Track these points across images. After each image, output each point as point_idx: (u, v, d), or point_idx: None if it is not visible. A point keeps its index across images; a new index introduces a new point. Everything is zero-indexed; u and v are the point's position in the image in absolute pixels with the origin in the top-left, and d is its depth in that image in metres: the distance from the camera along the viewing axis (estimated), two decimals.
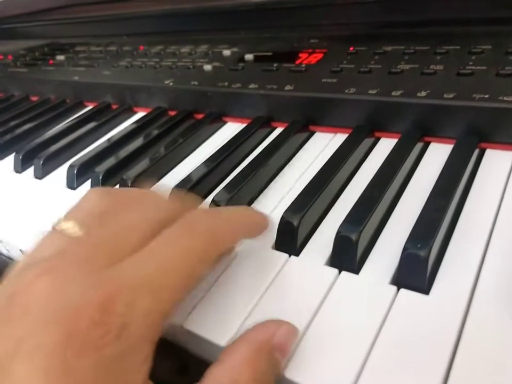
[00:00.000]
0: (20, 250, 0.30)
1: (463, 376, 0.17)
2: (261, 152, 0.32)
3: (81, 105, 0.53)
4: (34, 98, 0.59)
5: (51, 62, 0.62)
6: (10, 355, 0.14)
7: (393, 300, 0.20)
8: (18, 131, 0.48)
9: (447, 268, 0.21)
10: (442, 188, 0.24)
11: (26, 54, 0.68)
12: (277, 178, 0.31)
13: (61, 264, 0.16)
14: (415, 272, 0.20)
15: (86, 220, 0.19)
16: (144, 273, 0.16)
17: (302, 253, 0.24)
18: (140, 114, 0.47)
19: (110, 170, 0.35)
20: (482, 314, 0.19)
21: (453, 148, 0.28)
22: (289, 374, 0.18)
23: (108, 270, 0.16)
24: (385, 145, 0.31)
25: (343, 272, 0.22)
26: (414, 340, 0.18)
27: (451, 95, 0.29)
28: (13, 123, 0.51)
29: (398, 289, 0.21)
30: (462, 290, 0.20)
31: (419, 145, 0.30)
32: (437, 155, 0.29)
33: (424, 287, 0.20)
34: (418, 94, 0.30)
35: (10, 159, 0.43)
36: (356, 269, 0.22)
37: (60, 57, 0.62)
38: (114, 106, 0.50)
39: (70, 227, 0.18)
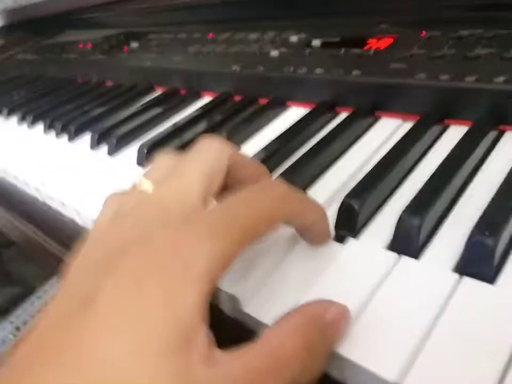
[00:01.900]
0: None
1: None
2: (324, 136, 0.32)
3: (151, 89, 0.55)
4: (109, 83, 0.63)
5: (125, 49, 0.65)
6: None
7: (456, 286, 0.20)
8: (95, 113, 0.52)
9: None
10: None
11: (103, 42, 0.72)
12: (339, 162, 0.31)
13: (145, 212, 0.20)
14: (481, 260, 0.20)
15: (158, 179, 0.21)
16: (212, 221, 0.18)
17: (361, 236, 0.24)
18: (207, 99, 0.48)
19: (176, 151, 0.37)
20: None
21: None
22: (343, 350, 0.19)
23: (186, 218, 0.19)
24: (455, 133, 0.30)
25: (403, 257, 0.22)
26: (475, 329, 0.18)
27: None
28: (89, 106, 0.55)
29: (461, 277, 0.20)
30: None
31: (492, 134, 0.29)
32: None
33: (489, 276, 0.20)
34: (495, 80, 0.28)
35: (87, 138, 0.46)
36: (416, 254, 0.22)
37: (134, 45, 0.65)
38: (182, 91, 0.51)
39: (147, 186, 0.21)
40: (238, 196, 0.19)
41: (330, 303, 0.19)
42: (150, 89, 0.56)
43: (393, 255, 0.22)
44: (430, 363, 0.17)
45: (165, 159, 0.23)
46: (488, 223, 0.20)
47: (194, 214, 0.20)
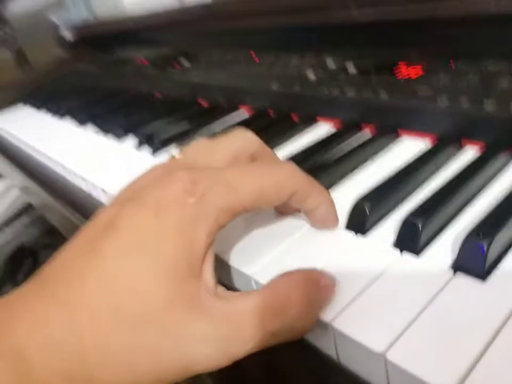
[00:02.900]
0: None
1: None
2: (349, 151, 0.35)
3: (195, 103, 0.60)
4: (158, 95, 0.68)
5: (177, 66, 0.71)
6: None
7: (449, 281, 0.21)
8: (139, 119, 0.57)
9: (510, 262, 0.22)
10: None
11: (158, 59, 0.78)
12: (359, 176, 0.33)
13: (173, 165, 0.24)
14: (474, 259, 0.21)
15: (187, 152, 0.25)
16: (228, 175, 0.21)
17: (370, 234, 0.26)
18: (243, 111, 0.52)
19: None
20: None
21: None
22: (338, 324, 0.21)
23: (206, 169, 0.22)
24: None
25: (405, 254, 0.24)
26: (457, 319, 0.19)
27: None
28: (136, 114, 0.60)
29: (455, 273, 0.22)
30: None
31: (504, 156, 0.30)
32: None
33: (481, 273, 0.21)
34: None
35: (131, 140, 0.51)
36: (417, 252, 0.24)
37: (185, 63, 0.71)
38: (223, 105, 0.56)
39: (179, 156, 0.25)
40: (253, 164, 0.23)
41: (324, 272, 0.22)
42: (194, 102, 0.60)
43: (396, 251, 0.24)
44: (412, 341, 0.19)
45: (199, 141, 0.26)
46: (484, 227, 0.22)
47: (217, 169, 0.22)
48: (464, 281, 0.21)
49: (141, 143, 0.49)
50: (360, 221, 0.27)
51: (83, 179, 0.46)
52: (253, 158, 0.25)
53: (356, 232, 0.27)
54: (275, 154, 0.28)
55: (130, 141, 0.52)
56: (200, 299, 0.18)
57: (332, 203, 0.25)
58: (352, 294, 0.22)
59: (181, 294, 0.17)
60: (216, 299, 0.18)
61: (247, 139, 0.26)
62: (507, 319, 0.19)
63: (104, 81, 0.84)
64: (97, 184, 0.43)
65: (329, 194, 0.25)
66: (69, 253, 0.20)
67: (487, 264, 0.21)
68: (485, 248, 0.21)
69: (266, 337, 0.19)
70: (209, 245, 0.20)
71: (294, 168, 0.23)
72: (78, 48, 0.99)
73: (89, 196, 0.46)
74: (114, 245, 0.18)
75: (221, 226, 0.20)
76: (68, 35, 1.00)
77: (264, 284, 0.22)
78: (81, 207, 0.47)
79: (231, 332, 0.18)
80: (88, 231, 0.20)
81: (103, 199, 0.43)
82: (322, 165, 0.33)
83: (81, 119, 0.63)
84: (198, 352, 0.18)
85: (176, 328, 0.17)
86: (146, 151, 0.48)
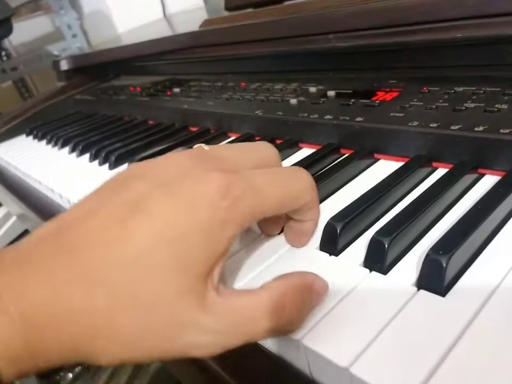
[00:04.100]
0: None
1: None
2: (324, 171, 0.37)
3: (186, 129, 0.62)
4: (151, 122, 0.71)
5: (168, 93, 0.73)
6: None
7: (411, 297, 0.23)
8: (134, 145, 0.59)
9: (469, 278, 0.23)
10: (478, 212, 0.26)
11: (150, 87, 0.81)
12: (339, 193, 0.35)
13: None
14: (434, 275, 0.23)
15: (215, 147, 0.26)
16: (258, 181, 0.22)
17: (342, 254, 0.28)
18: (232, 138, 0.54)
19: None
20: (485, 322, 0.21)
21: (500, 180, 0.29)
22: (308, 341, 0.22)
23: (236, 171, 0.23)
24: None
25: (373, 273, 0.25)
26: (418, 334, 0.21)
27: (507, 131, 0.31)
28: (130, 140, 0.62)
29: (418, 290, 0.23)
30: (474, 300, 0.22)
31: (471, 176, 0.32)
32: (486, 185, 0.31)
33: (441, 290, 0.23)
34: (476, 129, 0.32)
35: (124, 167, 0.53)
36: (384, 271, 0.25)
37: (176, 90, 0.73)
38: (212, 131, 0.58)
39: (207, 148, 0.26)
40: (278, 171, 0.25)
41: (318, 276, 0.23)
42: (184, 128, 0.62)
43: (365, 270, 0.26)
44: (375, 355, 0.20)
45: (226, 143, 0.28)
46: (443, 244, 0.24)
47: (247, 174, 0.23)
48: (425, 298, 0.23)
49: None
50: (331, 241, 0.28)
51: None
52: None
53: (328, 252, 0.28)
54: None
55: (122, 168, 0.54)
56: (206, 295, 0.20)
57: (318, 216, 0.27)
58: (322, 312, 0.23)
59: (192, 288, 0.19)
60: (219, 295, 0.20)
61: (270, 151, 0.27)
62: (462, 333, 0.20)
63: (101, 109, 0.86)
64: None
65: (319, 208, 0.27)
66: (95, 220, 0.20)
67: (446, 280, 0.23)
68: (444, 265, 0.23)
69: (258, 335, 0.21)
70: (229, 246, 0.21)
71: (310, 179, 0.25)
72: (75, 77, 1.02)
73: None
74: (145, 232, 0.19)
75: (243, 229, 0.22)
76: (65, 65, 1.03)
77: None
78: None
79: (229, 326, 0.20)
80: (114, 200, 0.20)
81: None
82: None
83: (76, 148, 0.65)
84: (198, 341, 0.19)
85: (183, 318, 0.19)
86: None
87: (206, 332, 0.19)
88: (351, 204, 0.30)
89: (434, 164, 0.35)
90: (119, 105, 0.81)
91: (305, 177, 0.25)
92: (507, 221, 0.27)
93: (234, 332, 0.20)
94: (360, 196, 0.31)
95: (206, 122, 0.59)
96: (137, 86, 0.85)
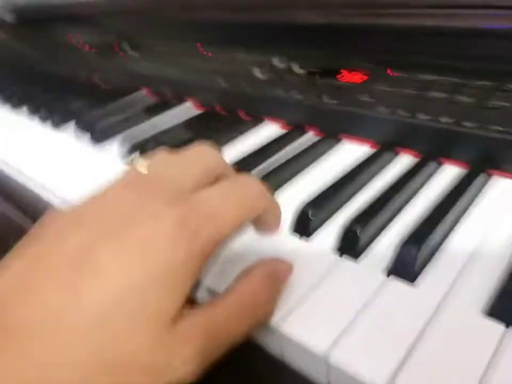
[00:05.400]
0: None
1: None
2: (294, 155, 0.36)
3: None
4: (99, 82, 0.66)
5: (121, 54, 0.69)
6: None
7: (383, 284, 0.24)
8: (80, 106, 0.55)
9: (434, 266, 0.25)
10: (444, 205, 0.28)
11: (100, 44, 0.75)
12: (307, 176, 0.35)
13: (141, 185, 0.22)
14: (404, 264, 0.24)
15: (154, 166, 0.23)
16: (212, 206, 0.21)
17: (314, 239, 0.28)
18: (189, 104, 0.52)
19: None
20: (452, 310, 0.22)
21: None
22: (284, 327, 0.22)
23: (185, 198, 0.21)
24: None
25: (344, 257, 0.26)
26: (390, 319, 0.22)
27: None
28: (77, 101, 0.57)
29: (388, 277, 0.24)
30: (441, 287, 0.23)
31: (434, 164, 0.33)
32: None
33: (411, 277, 0.24)
34: (442, 120, 0.33)
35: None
36: (356, 257, 0.26)
37: (128, 50, 0.68)
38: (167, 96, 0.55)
39: (143, 166, 0.23)
40: (228, 187, 0.22)
41: (279, 260, 0.24)
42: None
43: (336, 257, 0.26)
44: (349, 341, 0.21)
45: (164, 153, 0.25)
46: (415, 235, 0.25)
47: (199, 199, 0.21)
48: (396, 284, 0.24)
49: (81, 132, 0.48)
50: (304, 225, 0.28)
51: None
52: (217, 175, 0.25)
53: (300, 235, 0.28)
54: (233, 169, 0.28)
55: (69, 130, 0.50)
56: (177, 333, 0.18)
57: (280, 212, 0.26)
58: (295, 297, 0.23)
59: (162, 340, 0.18)
60: (187, 322, 0.19)
61: (212, 157, 0.25)
62: (430, 318, 0.21)
63: (45, 65, 0.79)
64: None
65: (278, 204, 0.26)
66: (36, 291, 0.17)
67: (416, 267, 0.24)
68: (416, 253, 0.24)
69: (236, 338, 0.20)
70: (191, 283, 0.20)
71: (261, 186, 0.24)
72: (18, 31, 0.93)
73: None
74: (96, 294, 0.17)
75: (208, 258, 0.20)
76: (8, 17, 0.94)
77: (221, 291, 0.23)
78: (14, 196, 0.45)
79: (206, 349, 0.19)
80: (54, 259, 0.18)
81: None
82: (268, 169, 0.34)
83: (17, 104, 0.60)
84: (179, 377, 0.18)
85: (156, 369, 0.18)
86: (86, 141, 0.47)
87: (185, 366, 0.18)
88: (322, 189, 0.31)
89: (400, 150, 0.36)
90: (66, 62, 0.75)
91: (255, 184, 0.24)
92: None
93: (214, 347, 0.20)
94: (331, 181, 0.32)
95: (164, 88, 0.56)
96: (87, 43, 0.78)
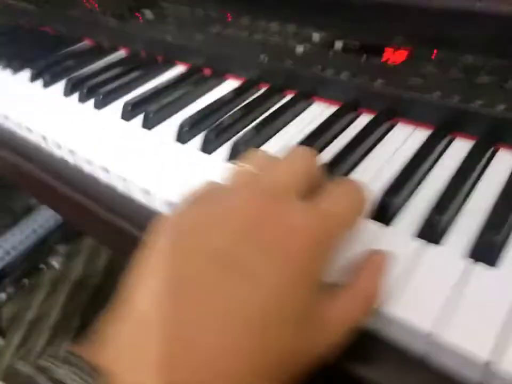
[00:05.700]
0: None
1: None
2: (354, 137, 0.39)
3: (172, 64, 0.58)
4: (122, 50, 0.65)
5: (140, 19, 0.67)
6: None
7: (467, 268, 0.27)
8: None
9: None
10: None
11: (111, 3, 0.72)
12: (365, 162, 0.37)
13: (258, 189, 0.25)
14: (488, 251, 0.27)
15: (265, 169, 0.26)
16: (336, 212, 0.24)
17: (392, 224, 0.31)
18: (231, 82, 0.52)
19: (218, 132, 0.42)
20: None
21: None
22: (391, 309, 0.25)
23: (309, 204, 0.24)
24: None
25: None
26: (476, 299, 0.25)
27: None
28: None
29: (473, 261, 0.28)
30: None
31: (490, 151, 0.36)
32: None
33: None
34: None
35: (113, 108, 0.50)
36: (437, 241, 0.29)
37: (147, 13, 0.66)
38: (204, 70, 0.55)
39: (251, 168, 0.26)
40: (343, 196, 0.26)
41: (382, 253, 0.27)
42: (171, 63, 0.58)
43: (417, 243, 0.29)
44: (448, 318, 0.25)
45: (267, 156, 0.28)
46: (494, 224, 0.28)
47: (324, 209, 0.24)
48: (479, 268, 0.27)
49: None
50: (384, 212, 0.31)
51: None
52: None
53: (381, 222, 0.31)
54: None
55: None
56: (318, 313, 0.23)
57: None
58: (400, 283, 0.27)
59: (304, 331, 0.22)
60: (325, 308, 0.23)
61: (312, 159, 0.28)
62: None
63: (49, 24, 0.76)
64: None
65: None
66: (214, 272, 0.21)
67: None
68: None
69: (355, 325, 0.24)
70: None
71: (361, 187, 0.27)
72: None
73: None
74: (254, 300, 0.20)
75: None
76: None
77: None
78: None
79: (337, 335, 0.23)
80: (199, 261, 0.21)
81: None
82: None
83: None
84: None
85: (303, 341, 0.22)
86: (135, 123, 0.47)
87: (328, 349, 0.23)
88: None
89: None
90: (75, 23, 0.72)
91: (359, 186, 0.27)
92: None
93: (341, 335, 0.23)
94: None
95: (197, 59, 0.56)
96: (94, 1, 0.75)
